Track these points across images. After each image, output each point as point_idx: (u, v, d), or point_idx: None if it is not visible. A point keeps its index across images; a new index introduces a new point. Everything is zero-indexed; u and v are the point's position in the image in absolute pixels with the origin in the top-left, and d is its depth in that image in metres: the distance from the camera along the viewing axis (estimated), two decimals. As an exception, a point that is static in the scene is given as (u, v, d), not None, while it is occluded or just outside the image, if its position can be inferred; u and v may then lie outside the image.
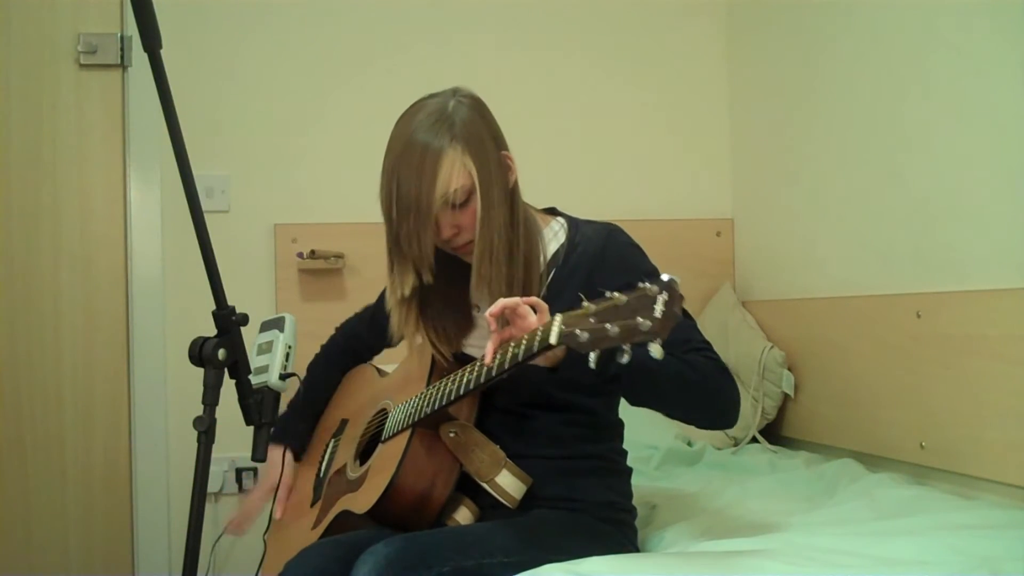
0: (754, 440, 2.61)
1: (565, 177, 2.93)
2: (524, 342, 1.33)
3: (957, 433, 1.98)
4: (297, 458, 1.94)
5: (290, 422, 1.94)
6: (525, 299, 1.41)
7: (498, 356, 1.39)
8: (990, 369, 1.88)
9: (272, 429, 1.50)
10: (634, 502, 1.73)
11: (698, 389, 1.48)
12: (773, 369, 2.58)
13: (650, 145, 3.05)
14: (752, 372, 2.61)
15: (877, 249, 2.31)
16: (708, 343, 1.55)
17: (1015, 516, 1.65)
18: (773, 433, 2.64)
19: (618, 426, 1.73)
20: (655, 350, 1.13)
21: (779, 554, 1.39)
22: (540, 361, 1.38)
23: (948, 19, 2.06)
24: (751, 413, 2.61)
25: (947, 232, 2.07)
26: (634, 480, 1.75)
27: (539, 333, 1.29)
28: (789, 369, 2.58)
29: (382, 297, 1.95)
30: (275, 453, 1.89)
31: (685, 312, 1.54)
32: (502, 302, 1.40)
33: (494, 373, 1.40)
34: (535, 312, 1.40)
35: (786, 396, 2.59)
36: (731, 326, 2.76)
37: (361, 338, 2.00)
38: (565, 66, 3.02)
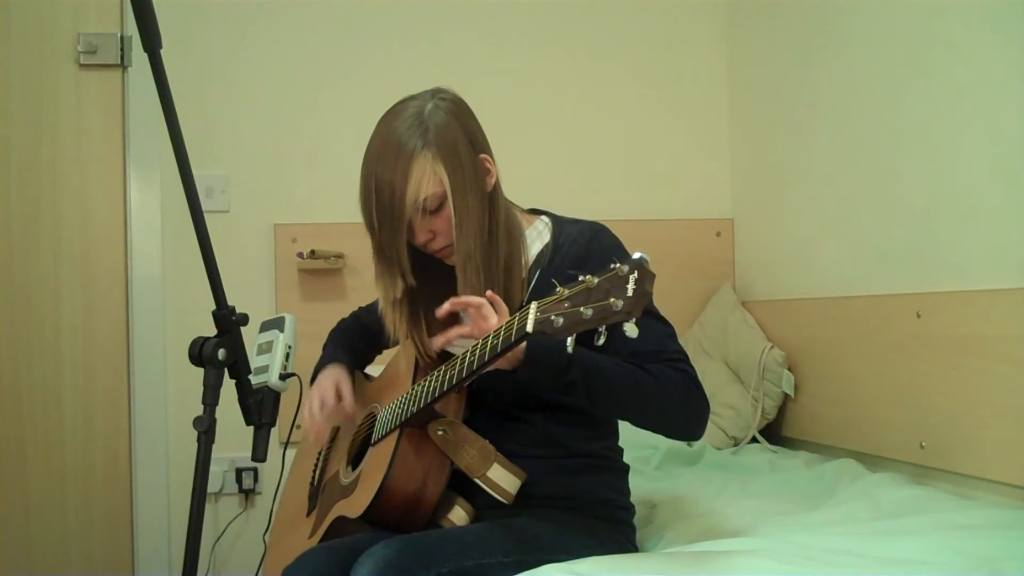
0: (754, 440, 2.61)
1: (564, 177, 2.94)
2: (502, 332, 1.33)
3: (957, 433, 1.98)
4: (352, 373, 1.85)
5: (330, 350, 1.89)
6: (489, 294, 1.43)
7: (478, 348, 1.39)
8: (990, 369, 1.88)
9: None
10: (633, 501, 1.73)
11: (658, 400, 1.48)
12: (773, 369, 2.58)
13: (650, 145, 3.05)
14: (752, 372, 2.61)
15: (877, 249, 2.31)
16: (682, 354, 1.54)
17: (1015, 516, 1.65)
18: (773, 433, 2.64)
19: (612, 423, 1.73)
20: (630, 329, 1.14)
21: (778, 554, 1.39)
22: (501, 364, 1.39)
23: (948, 19, 2.06)
24: (751, 413, 2.61)
25: (947, 232, 2.07)
26: (634, 480, 1.75)
27: (516, 321, 1.29)
28: (789, 369, 2.58)
29: (375, 308, 1.95)
30: (322, 376, 1.82)
31: (663, 320, 1.55)
32: (465, 299, 1.43)
33: (476, 366, 1.39)
34: (496, 312, 1.42)
35: (786, 396, 2.59)
36: (731, 326, 2.76)
37: (372, 326, 1.98)
38: (564, 65, 3.02)
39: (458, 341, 1.65)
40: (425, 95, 1.59)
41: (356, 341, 1.96)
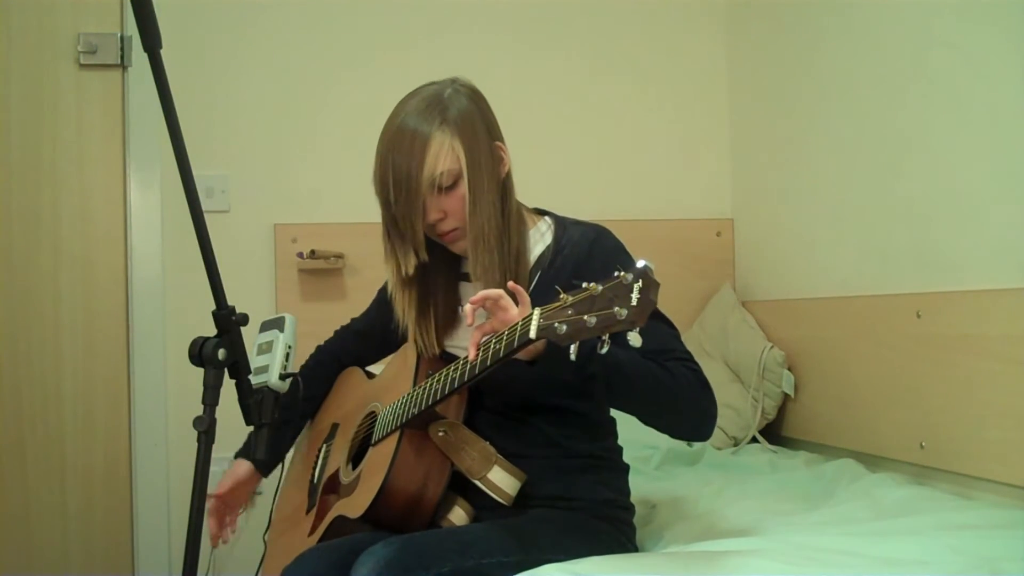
0: (754, 440, 2.61)
1: (565, 177, 2.93)
2: (505, 337, 1.33)
3: (957, 433, 1.98)
4: (262, 469, 1.90)
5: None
6: (511, 284, 1.40)
7: (480, 352, 1.39)
8: (990, 369, 1.88)
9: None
10: (633, 501, 1.73)
11: (675, 396, 1.47)
12: (773, 369, 2.58)
13: (650, 145, 3.05)
14: (752, 372, 2.61)
15: (877, 249, 2.31)
16: (690, 354, 1.54)
17: (1015, 516, 1.65)
18: (773, 433, 2.64)
19: (611, 424, 1.73)
20: (634, 338, 1.13)
21: (778, 554, 1.39)
22: (520, 355, 1.37)
23: (948, 19, 2.06)
24: (751, 413, 2.61)
25: (947, 232, 2.07)
26: (634, 480, 1.74)
27: (519, 328, 1.29)
28: (789, 369, 2.58)
29: (371, 307, 1.96)
30: (234, 464, 1.89)
31: (668, 321, 1.55)
32: (483, 293, 1.40)
33: (477, 370, 1.39)
34: (517, 303, 1.39)
35: (786, 396, 2.59)
36: (731, 326, 2.76)
37: (352, 353, 1.99)
38: (565, 66, 3.02)
39: (458, 344, 1.66)
40: (444, 82, 1.62)
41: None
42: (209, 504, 1.84)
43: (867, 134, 2.35)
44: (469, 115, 1.57)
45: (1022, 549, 1.44)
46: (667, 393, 1.47)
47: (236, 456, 1.91)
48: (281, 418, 1.88)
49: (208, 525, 1.86)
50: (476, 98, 1.61)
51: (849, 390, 2.36)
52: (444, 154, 1.53)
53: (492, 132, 1.60)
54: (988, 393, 1.89)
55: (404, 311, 1.66)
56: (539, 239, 1.66)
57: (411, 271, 1.59)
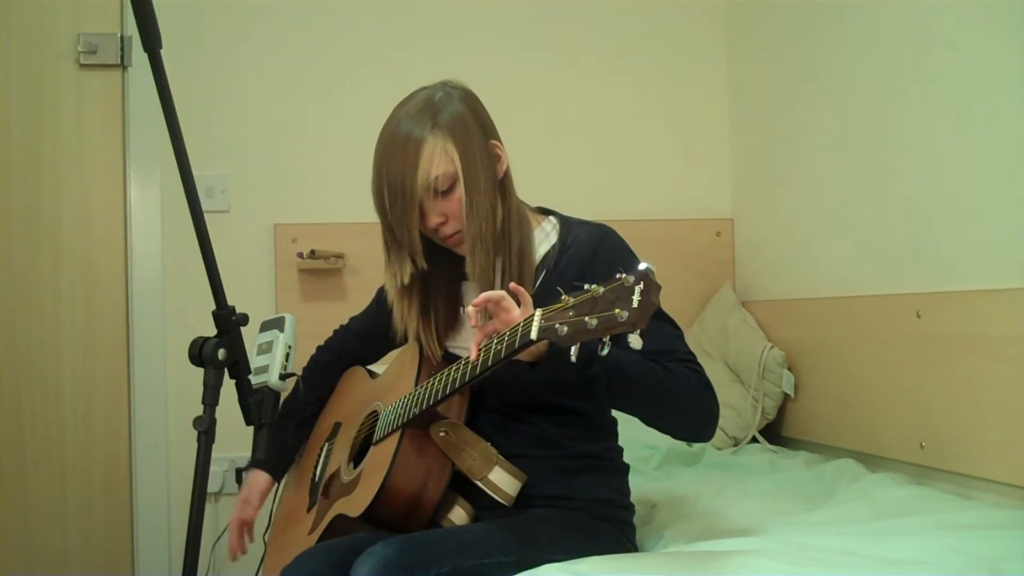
0: (754, 440, 2.61)
1: (565, 177, 2.93)
2: (506, 338, 1.33)
3: (957, 433, 1.98)
4: (277, 478, 1.95)
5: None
6: (513, 286, 1.40)
7: (481, 353, 1.39)
8: (990, 369, 1.88)
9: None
10: (633, 501, 1.73)
11: (677, 398, 1.48)
12: (773, 369, 2.58)
13: (650, 145, 3.05)
14: (752, 372, 2.61)
15: (877, 249, 2.31)
16: (693, 355, 1.54)
17: (1015, 516, 1.65)
18: (773, 433, 2.64)
19: (612, 425, 1.73)
20: (635, 341, 1.13)
21: (778, 554, 1.39)
22: (522, 356, 1.37)
23: (948, 18, 2.06)
24: (751, 413, 2.61)
25: (947, 232, 2.07)
26: (634, 480, 1.75)
27: (520, 329, 1.29)
28: (789, 369, 2.58)
29: (369, 308, 1.96)
30: (250, 476, 1.92)
31: (671, 322, 1.55)
32: (485, 295, 1.39)
33: (479, 371, 1.39)
34: (519, 304, 1.39)
35: (786, 396, 2.59)
36: (731, 326, 2.76)
37: (352, 352, 2.00)
38: (565, 66, 3.02)
39: (460, 345, 1.66)
40: (436, 85, 1.62)
41: (305, 409, 1.98)
42: (234, 524, 1.89)
43: (867, 134, 2.35)
44: (461, 117, 1.57)
45: (1022, 549, 1.44)
46: (669, 394, 1.47)
47: (249, 468, 1.92)
48: (289, 423, 1.92)
49: (231, 541, 1.90)
50: (468, 99, 1.61)
51: (849, 390, 2.36)
52: (438, 158, 1.53)
53: (487, 131, 1.60)
54: (988, 393, 1.89)
55: (403, 317, 1.67)
56: (544, 239, 1.66)
57: (407, 280, 1.59)
